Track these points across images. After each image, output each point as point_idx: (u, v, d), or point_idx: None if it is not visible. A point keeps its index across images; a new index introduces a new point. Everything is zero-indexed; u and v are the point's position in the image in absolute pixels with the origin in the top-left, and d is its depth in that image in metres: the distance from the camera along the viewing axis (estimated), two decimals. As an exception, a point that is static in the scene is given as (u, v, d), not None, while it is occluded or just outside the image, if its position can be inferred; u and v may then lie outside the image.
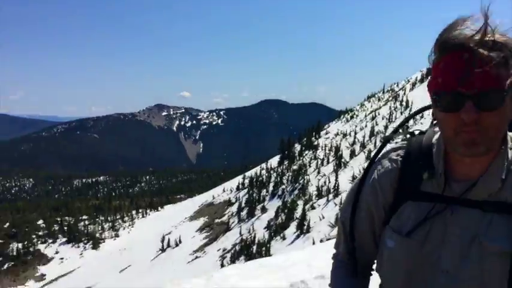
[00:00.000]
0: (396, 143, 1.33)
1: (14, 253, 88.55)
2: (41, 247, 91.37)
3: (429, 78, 1.09)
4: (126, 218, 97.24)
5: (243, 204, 51.22)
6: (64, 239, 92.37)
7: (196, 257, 49.16)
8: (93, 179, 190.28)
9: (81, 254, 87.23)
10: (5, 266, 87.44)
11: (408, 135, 1.31)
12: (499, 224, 1.07)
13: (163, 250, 65.28)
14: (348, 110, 70.54)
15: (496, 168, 1.09)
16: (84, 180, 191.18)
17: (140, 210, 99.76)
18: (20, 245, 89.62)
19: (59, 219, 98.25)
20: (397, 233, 1.19)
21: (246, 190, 57.93)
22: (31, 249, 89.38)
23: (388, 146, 1.33)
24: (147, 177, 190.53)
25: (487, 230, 1.08)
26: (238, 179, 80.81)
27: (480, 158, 1.08)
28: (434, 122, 1.23)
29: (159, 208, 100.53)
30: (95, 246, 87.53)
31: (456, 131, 1.03)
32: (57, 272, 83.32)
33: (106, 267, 72.17)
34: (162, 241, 66.01)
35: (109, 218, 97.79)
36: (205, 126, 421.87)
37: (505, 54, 0.99)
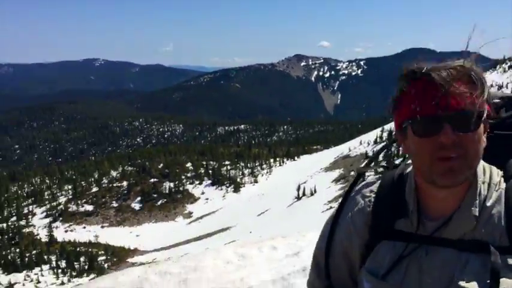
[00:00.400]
0: (372, 175, 1.33)
1: (167, 191, 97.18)
2: (189, 187, 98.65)
3: (394, 108, 1.10)
4: (264, 166, 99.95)
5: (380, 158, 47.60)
6: (209, 181, 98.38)
7: (331, 207, 47.95)
8: (235, 127, 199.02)
9: (223, 196, 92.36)
10: (159, 202, 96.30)
11: (382, 169, 1.31)
12: (475, 264, 1.04)
13: (298, 198, 65.62)
14: (506, 59, 61.37)
15: (469, 204, 1.07)
16: (226, 127, 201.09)
17: (278, 159, 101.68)
18: (171, 184, 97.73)
19: (204, 163, 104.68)
20: (373, 275, 1.15)
21: (383, 144, 54.28)
22: (181, 188, 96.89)
23: (361, 183, 1.29)
24: (285, 127, 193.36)
25: (463, 271, 1.04)
26: (376, 132, 77.41)
27: (454, 192, 1.06)
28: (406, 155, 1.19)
29: (296, 158, 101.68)
30: (236, 190, 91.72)
31: (433, 159, 1.01)
32: (202, 211, 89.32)
33: (245, 210, 75.56)
34: (298, 189, 66.02)
35: (249, 164, 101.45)
36: (344, 77, 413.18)
37: (474, 77, 1.01)
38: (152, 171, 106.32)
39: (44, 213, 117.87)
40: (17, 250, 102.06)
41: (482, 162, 1.10)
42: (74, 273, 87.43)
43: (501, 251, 1.01)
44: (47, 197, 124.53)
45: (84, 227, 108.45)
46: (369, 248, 1.18)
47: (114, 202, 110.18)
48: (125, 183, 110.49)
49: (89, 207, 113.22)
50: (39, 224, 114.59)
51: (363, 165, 1.37)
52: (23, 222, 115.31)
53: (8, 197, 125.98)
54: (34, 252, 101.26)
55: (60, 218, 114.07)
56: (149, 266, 5.82)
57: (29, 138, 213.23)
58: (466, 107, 0.99)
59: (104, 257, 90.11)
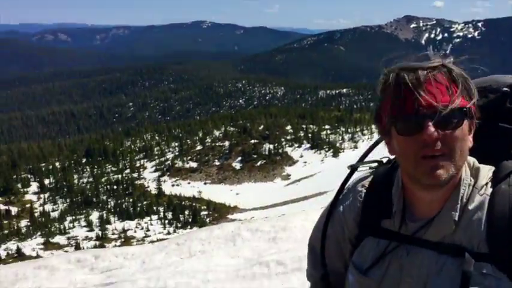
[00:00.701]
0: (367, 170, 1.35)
1: (266, 153, 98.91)
2: (288, 150, 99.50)
3: (378, 108, 1.13)
4: (365, 131, 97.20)
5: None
6: (308, 145, 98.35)
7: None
8: (337, 91, 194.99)
9: (322, 161, 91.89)
10: (259, 163, 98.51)
11: (376, 164, 1.33)
12: (451, 268, 1.06)
13: (401, 167, 63.05)
14: None
15: (450, 208, 1.08)
16: (328, 91, 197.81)
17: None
18: (271, 146, 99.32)
19: (304, 126, 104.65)
20: (357, 269, 1.20)
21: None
22: (280, 150, 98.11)
23: (357, 175, 1.34)
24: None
25: (439, 274, 1.07)
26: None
27: (439, 194, 1.07)
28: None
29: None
30: (335, 155, 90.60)
31: (417, 157, 1.02)
32: (300, 173, 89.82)
33: (343, 175, 74.81)
34: (401, 157, 63.46)
35: (349, 129, 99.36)
36: (458, 40, 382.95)
37: (455, 75, 1.04)
38: (253, 133, 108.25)
39: (154, 168, 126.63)
40: (130, 200, 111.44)
41: (471, 162, 1.11)
42: (179, 225, 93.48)
43: (478, 258, 1.02)
44: (156, 153, 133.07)
45: (189, 183, 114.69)
46: (358, 242, 1.22)
47: (216, 161, 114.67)
48: (226, 143, 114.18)
49: (193, 164, 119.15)
50: (149, 177, 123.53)
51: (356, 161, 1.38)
52: (135, 175, 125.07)
53: (123, 150, 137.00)
54: (145, 203, 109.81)
55: (168, 173, 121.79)
56: (242, 222, 5.98)
57: (141, 97, 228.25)
58: (448, 103, 1.00)
59: (206, 212, 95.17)
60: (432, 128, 0.99)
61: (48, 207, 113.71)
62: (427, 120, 0.99)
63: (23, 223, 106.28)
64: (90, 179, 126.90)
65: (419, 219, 1.11)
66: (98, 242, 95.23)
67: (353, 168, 1.31)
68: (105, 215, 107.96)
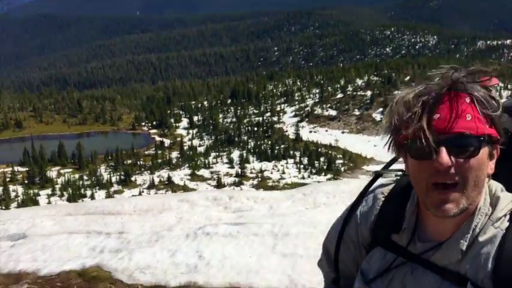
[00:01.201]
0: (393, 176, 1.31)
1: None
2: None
3: (393, 130, 1.05)
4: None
5: None
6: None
7: None
8: (499, 42, 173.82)
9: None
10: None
11: (401, 172, 1.28)
12: None
13: None
14: None
15: (460, 236, 1.03)
16: (488, 42, 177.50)
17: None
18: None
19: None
20: (363, 277, 1.19)
21: None
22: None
23: (381, 180, 1.30)
24: None
25: None
26: None
27: (452, 220, 1.03)
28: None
29: None
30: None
31: (428, 184, 0.98)
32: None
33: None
34: None
35: (509, 85, 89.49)
36: None
37: (477, 99, 0.97)
38: (398, 83, 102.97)
39: (293, 113, 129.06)
40: (269, 142, 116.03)
41: (493, 189, 1.05)
42: (313, 171, 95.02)
43: None
44: (297, 98, 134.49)
45: (326, 130, 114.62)
46: (369, 250, 1.21)
47: (356, 110, 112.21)
48: (368, 93, 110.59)
49: (332, 112, 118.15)
50: (288, 121, 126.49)
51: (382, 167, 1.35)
52: (275, 118, 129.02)
53: (265, 94, 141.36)
54: (282, 146, 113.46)
55: (306, 119, 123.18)
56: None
57: (286, 42, 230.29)
58: (464, 130, 0.94)
59: (341, 161, 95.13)
60: (445, 155, 0.93)
61: (196, 142, 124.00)
62: (440, 145, 0.94)
63: (174, 154, 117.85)
64: (234, 119, 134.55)
65: (428, 241, 1.08)
66: (237, 179, 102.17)
67: (377, 175, 1.25)
68: (245, 154, 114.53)
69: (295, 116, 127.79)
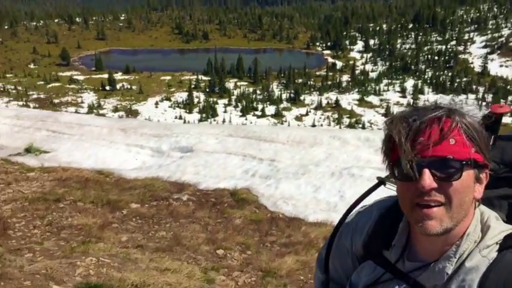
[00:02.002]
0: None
1: None
2: None
3: (385, 151, 1.07)
4: None
5: None
6: None
7: None
8: None
9: None
10: None
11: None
12: None
13: None
14: None
15: (446, 259, 1.05)
16: None
17: None
18: None
19: None
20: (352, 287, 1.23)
21: None
22: None
23: (382, 194, 1.29)
24: None
25: None
26: None
27: (440, 242, 1.04)
28: None
29: None
30: None
31: (412, 204, 1.00)
32: None
33: None
34: None
35: None
36: None
37: (461, 125, 0.99)
38: None
39: (483, 43, 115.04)
40: (449, 74, 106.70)
41: (485, 217, 1.07)
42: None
43: None
44: (490, 27, 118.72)
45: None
46: (360, 261, 1.23)
47: None
48: None
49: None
50: (475, 52, 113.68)
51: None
52: (460, 48, 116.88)
53: (453, 20, 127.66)
54: (464, 79, 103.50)
55: (498, 51, 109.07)
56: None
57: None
58: (447, 153, 0.97)
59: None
60: (427, 178, 0.96)
61: (368, 67, 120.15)
62: (424, 168, 0.97)
63: (345, 78, 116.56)
64: (413, 46, 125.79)
65: (417, 260, 1.09)
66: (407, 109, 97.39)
67: (380, 181, 1.22)
68: (420, 84, 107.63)
69: (484, 47, 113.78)
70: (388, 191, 1.12)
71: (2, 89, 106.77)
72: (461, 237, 1.04)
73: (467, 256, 1.03)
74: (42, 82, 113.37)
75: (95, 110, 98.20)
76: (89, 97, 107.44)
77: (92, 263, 4.73)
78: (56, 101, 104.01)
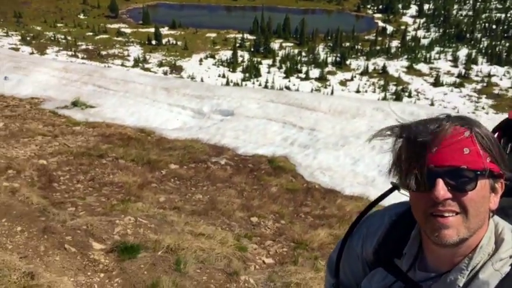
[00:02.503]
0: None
1: None
2: None
3: (396, 161, 1.05)
4: None
5: None
6: None
7: None
8: None
9: None
10: None
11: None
12: None
13: None
14: None
15: (459, 271, 1.03)
16: None
17: None
18: None
19: None
20: None
21: None
22: None
23: (395, 200, 1.26)
24: None
25: None
26: None
27: (452, 253, 1.03)
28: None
29: None
30: None
31: (426, 214, 0.99)
32: None
33: None
34: None
35: None
36: None
37: (478, 133, 0.98)
38: None
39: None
40: (507, 44, 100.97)
41: (499, 229, 1.05)
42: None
43: None
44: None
45: None
46: (371, 268, 1.22)
47: None
48: None
49: None
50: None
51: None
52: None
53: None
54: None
55: None
56: None
57: None
58: (460, 163, 0.95)
59: None
60: (441, 188, 0.95)
61: (420, 33, 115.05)
62: (437, 178, 0.96)
63: (394, 43, 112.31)
64: (470, 13, 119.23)
65: (428, 270, 1.08)
66: (458, 80, 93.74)
67: (394, 187, 1.17)
68: (474, 53, 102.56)
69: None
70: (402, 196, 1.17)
71: (52, 38, 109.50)
72: (474, 249, 1.02)
73: (479, 269, 1.01)
74: (91, 33, 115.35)
75: (140, 64, 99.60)
76: (135, 50, 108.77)
77: (130, 222, 4.89)
78: (104, 52, 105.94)
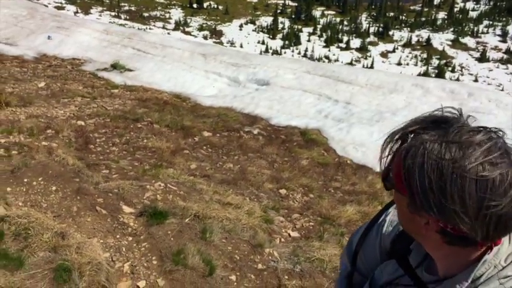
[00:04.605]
0: None
1: None
2: None
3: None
4: None
5: None
6: None
7: None
8: None
9: None
10: None
11: None
12: None
13: None
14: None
15: (459, 280, 1.00)
16: None
17: None
18: None
19: None
20: (373, 282, 1.24)
21: None
22: None
23: None
24: None
25: None
26: None
27: (447, 258, 1.01)
28: None
29: None
30: None
31: None
32: None
33: None
34: None
35: None
36: None
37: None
38: None
39: None
40: None
41: None
42: None
43: None
44: None
45: None
46: (388, 258, 1.23)
47: None
48: None
49: None
50: None
51: None
52: None
53: None
54: None
55: None
56: None
57: None
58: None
59: None
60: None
61: (469, 5, 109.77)
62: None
63: (441, 15, 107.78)
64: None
65: (432, 273, 1.08)
66: (505, 56, 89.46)
67: None
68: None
69: None
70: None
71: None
72: (478, 259, 0.99)
73: (483, 281, 0.98)
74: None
75: (181, 27, 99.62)
76: (177, 13, 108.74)
77: (160, 188, 4.99)
78: (146, 14, 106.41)
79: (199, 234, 4.19)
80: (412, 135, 0.89)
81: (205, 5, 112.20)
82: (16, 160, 5.17)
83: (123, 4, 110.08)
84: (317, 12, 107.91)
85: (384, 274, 1.21)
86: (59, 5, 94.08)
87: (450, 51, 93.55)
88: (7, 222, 3.81)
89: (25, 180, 4.72)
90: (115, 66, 11.72)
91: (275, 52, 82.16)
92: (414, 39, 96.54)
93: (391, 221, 1.25)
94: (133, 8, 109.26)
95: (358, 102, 9.07)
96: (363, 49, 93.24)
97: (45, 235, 3.69)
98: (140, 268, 3.82)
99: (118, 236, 4.09)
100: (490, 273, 0.98)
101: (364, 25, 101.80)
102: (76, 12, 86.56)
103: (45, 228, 3.74)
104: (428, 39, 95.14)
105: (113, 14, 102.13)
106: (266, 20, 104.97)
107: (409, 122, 0.92)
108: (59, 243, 3.63)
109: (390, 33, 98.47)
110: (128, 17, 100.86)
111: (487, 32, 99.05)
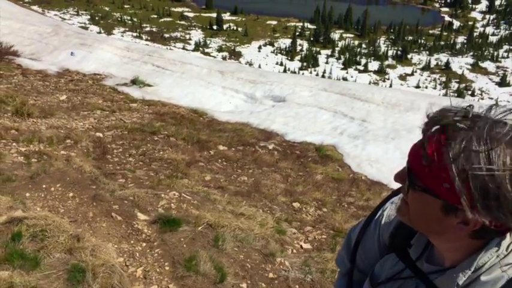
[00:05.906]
0: None
1: None
2: None
3: None
4: None
5: None
6: None
7: None
8: None
9: None
10: None
11: None
12: None
13: None
14: None
15: (460, 269, 1.01)
16: None
17: None
18: None
19: None
20: (373, 279, 1.23)
21: None
22: None
23: None
24: None
25: None
26: None
27: (450, 249, 1.02)
28: None
29: None
30: None
31: None
32: None
33: None
34: None
35: None
36: None
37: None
38: None
39: None
40: None
41: None
42: None
43: None
44: None
45: None
46: (384, 252, 1.24)
47: None
48: None
49: None
50: None
51: None
52: None
53: None
54: None
55: None
56: None
57: None
58: (412, 165, 0.93)
59: None
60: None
61: (489, 29, 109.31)
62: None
63: (460, 39, 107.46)
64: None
65: (434, 263, 1.09)
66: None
67: None
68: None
69: None
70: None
71: (119, 19, 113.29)
72: (480, 248, 0.99)
73: (485, 270, 0.99)
74: (155, 16, 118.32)
75: (200, 48, 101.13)
76: (197, 35, 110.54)
77: (175, 197, 5.06)
78: (166, 35, 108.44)
79: (212, 242, 4.22)
80: (456, 132, 0.83)
81: (224, 26, 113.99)
82: (35, 167, 5.31)
83: (144, 25, 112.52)
84: (335, 35, 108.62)
85: (384, 269, 1.21)
86: (83, 25, 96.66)
87: (470, 75, 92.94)
88: (25, 224, 3.90)
89: (43, 186, 4.84)
90: (134, 82, 11.96)
91: (293, 73, 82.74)
92: (433, 63, 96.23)
93: (388, 216, 1.25)
94: (154, 29, 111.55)
95: (374, 119, 9.07)
96: (381, 72, 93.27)
97: (61, 237, 3.76)
98: (153, 273, 3.86)
99: (132, 242, 4.14)
100: (493, 261, 0.98)
101: (383, 48, 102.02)
102: (99, 32, 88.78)
103: (62, 231, 3.81)
104: (448, 63, 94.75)
105: (135, 34, 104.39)
106: (285, 42, 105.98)
107: (446, 111, 0.88)
108: (74, 246, 3.70)
109: (409, 56, 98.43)
110: (149, 38, 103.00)
111: (507, 57, 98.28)
